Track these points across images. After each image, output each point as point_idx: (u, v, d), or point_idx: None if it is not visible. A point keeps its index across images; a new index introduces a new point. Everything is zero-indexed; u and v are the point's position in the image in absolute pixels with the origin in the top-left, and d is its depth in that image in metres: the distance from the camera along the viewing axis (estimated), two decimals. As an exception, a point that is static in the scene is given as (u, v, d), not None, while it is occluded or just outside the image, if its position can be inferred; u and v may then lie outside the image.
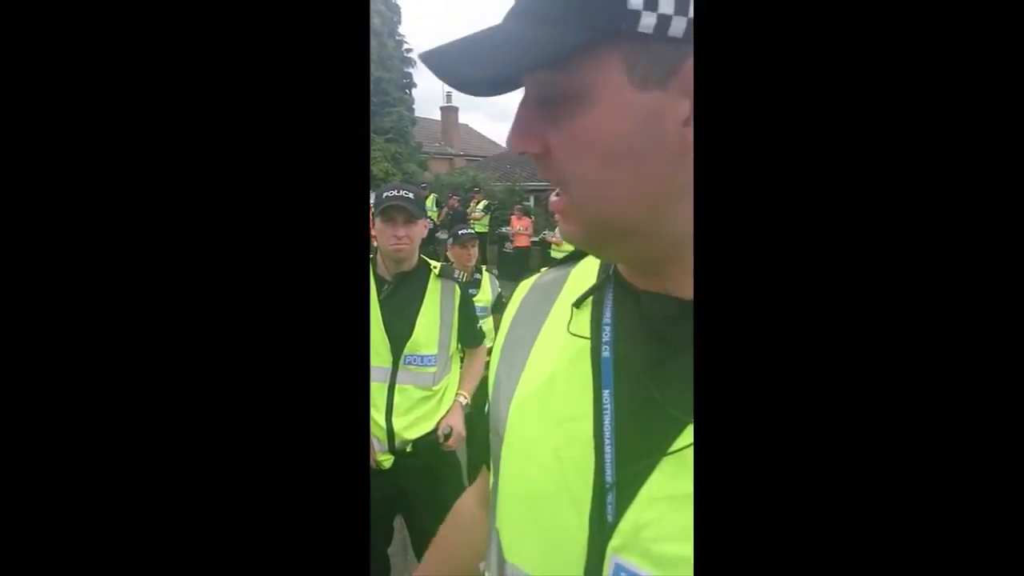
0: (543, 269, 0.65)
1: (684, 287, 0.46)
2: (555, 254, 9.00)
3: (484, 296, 3.28)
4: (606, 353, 0.49)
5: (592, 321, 0.52)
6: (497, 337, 0.62)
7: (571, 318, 0.53)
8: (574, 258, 0.61)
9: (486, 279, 3.35)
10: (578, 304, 0.54)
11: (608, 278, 0.54)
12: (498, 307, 3.22)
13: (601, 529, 0.45)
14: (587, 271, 0.56)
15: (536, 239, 10.63)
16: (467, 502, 0.74)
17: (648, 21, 0.39)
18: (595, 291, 0.54)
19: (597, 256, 0.54)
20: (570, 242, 0.49)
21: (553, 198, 0.48)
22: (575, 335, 0.52)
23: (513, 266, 10.08)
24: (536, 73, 0.43)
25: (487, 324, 2.91)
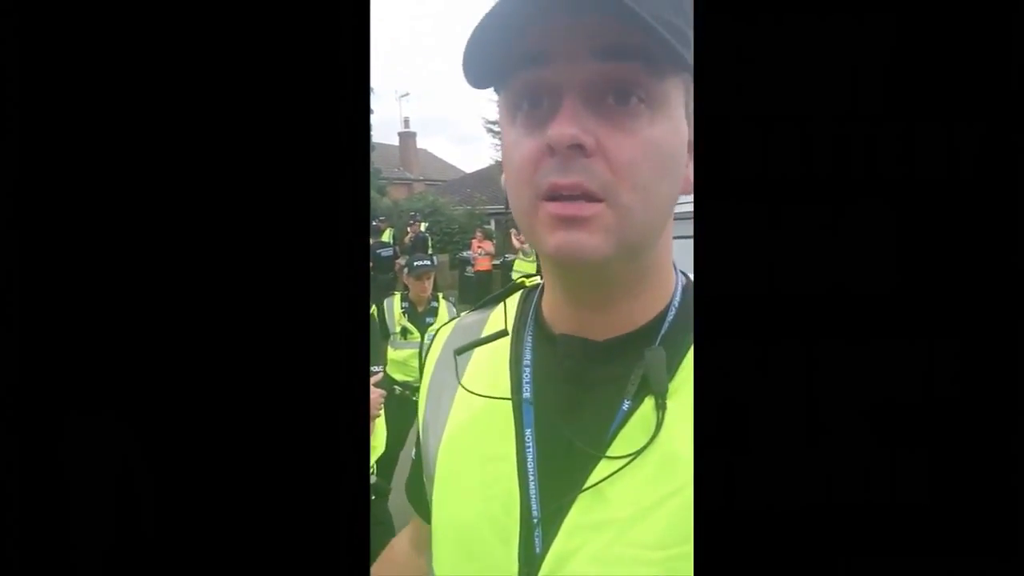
0: (463, 313, 0.66)
1: (602, 327, 0.49)
2: (519, 266, 8.07)
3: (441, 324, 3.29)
4: (527, 393, 0.51)
5: (512, 362, 0.53)
6: (423, 380, 0.62)
7: (455, 366, 0.55)
8: (494, 300, 0.61)
9: (443, 307, 3.45)
10: (459, 352, 0.55)
11: (524, 319, 0.55)
12: None
13: (530, 561, 0.46)
14: (505, 314, 0.57)
15: (498, 262, 9.96)
16: (400, 541, 0.73)
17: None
18: (492, 340, 0.55)
19: (592, 277, 0.47)
20: (588, 260, 0.42)
21: (576, 206, 0.42)
22: (465, 388, 0.53)
23: (475, 290, 9.47)
24: (620, 65, 0.41)
25: None
